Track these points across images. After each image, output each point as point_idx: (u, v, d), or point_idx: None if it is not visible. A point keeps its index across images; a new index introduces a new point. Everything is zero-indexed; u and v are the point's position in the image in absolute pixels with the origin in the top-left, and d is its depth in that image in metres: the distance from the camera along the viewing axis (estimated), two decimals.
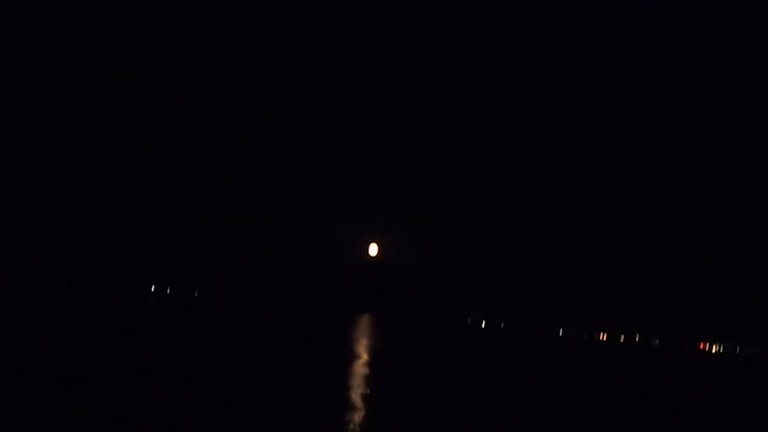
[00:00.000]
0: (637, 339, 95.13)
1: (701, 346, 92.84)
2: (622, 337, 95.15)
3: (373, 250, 69.57)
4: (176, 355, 15.28)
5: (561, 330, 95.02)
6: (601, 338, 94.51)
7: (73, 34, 64.36)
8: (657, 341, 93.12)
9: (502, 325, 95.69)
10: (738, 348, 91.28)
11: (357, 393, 11.55)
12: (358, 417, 9.19)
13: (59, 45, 64.04)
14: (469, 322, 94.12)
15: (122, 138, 68.01)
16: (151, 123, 68.95)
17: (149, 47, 68.18)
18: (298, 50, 70.95)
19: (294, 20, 68.60)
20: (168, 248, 73.29)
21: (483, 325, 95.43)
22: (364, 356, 20.47)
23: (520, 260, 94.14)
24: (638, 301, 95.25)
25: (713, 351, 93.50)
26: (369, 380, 14.04)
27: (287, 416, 8.56)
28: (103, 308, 35.14)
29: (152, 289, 72.60)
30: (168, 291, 72.91)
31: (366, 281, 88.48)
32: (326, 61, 72.65)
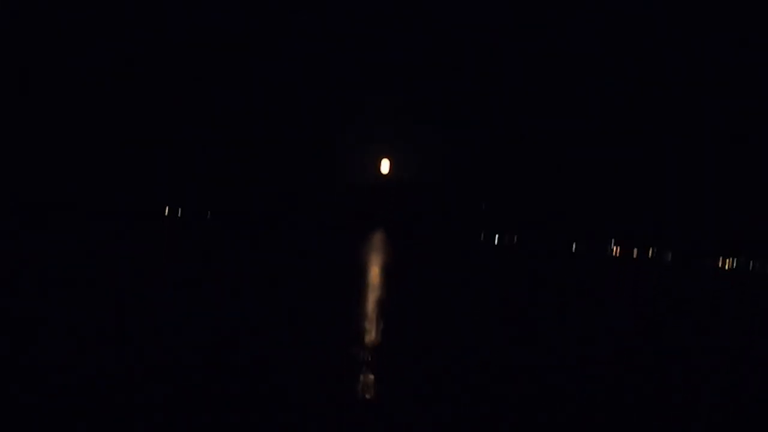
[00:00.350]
0: (650, 254, 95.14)
1: (715, 262, 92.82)
2: (635, 251, 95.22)
3: (385, 166, 69.01)
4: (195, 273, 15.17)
5: (574, 245, 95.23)
6: (614, 253, 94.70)
7: (73, 34, 63.70)
8: (670, 256, 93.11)
9: (515, 240, 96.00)
10: (752, 263, 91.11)
11: (364, 311, 11.41)
12: (363, 330, 9.26)
13: (59, 45, 63.95)
14: (482, 237, 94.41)
15: (121, 138, 68.36)
16: (151, 123, 69.45)
17: (149, 47, 67.52)
18: (298, 50, 69.92)
19: (294, 20, 67.32)
20: (178, 171, 73.44)
21: (496, 241, 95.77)
22: (375, 273, 20.34)
23: (534, 174, 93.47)
24: (651, 215, 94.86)
25: (726, 266, 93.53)
26: (376, 298, 13.89)
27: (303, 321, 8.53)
28: (116, 230, 35.25)
29: (166, 212, 73.06)
30: (179, 213, 73.34)
31: (378, 198, 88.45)
32: (326, 61, 71.58)
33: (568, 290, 21.80)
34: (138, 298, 9.38)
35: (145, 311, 8.12)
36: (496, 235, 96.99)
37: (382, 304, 11.08)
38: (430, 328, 9.36)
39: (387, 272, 20.70)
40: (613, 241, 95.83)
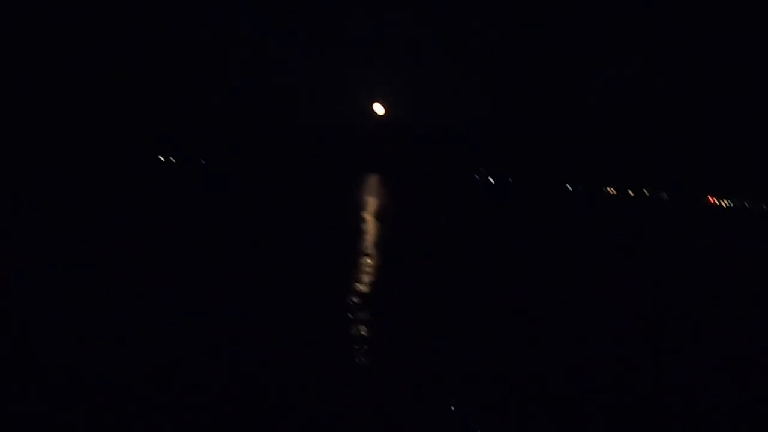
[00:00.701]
0: (646, 193, 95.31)
1: (710, 201, 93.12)
2: (631, 191, 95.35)
3: (379, 109, 68.29)
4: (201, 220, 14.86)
5: (569, 185, 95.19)
6: (610, 192, 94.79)
7: (73, 34, 62.70)
8: (665, 195, 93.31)
9: (510, 181, 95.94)
10: (746, 203, 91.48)
11: (361, 254, 11.23)
12: (361, 272, 9.18)
13: (59, 45, 62.95)
14: (478, 178, 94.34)
15: (121, 138, 68.03)
16: (151, 123, 69.01)
17: (149, 47, 66.77)
18: (298, 50, 70.18)
19: (294, 20, 67.29)
20: (172, 117, 73.17)
21: (492, 181, 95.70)
22: (370, 216, 20.10)
23: (529, 115, 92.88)
24: (648, 155, 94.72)
25: (723, 205, 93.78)
26: (373, 239, 13.71)
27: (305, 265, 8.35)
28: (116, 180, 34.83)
29: (160, 159, 72.96)
30: (174, 160, 73.12)
31: (373, 141, 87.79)
32: (326, 61, 71.91)
33: (563, 229, 21.60)
34: (137, 294, 9.02)
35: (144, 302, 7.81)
36: (491, 177, 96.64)
37: (379, 287, 10.70)
38: (431, 315, 8.95)
39: (379, 217, 20.38)
40: (607, 181, 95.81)
